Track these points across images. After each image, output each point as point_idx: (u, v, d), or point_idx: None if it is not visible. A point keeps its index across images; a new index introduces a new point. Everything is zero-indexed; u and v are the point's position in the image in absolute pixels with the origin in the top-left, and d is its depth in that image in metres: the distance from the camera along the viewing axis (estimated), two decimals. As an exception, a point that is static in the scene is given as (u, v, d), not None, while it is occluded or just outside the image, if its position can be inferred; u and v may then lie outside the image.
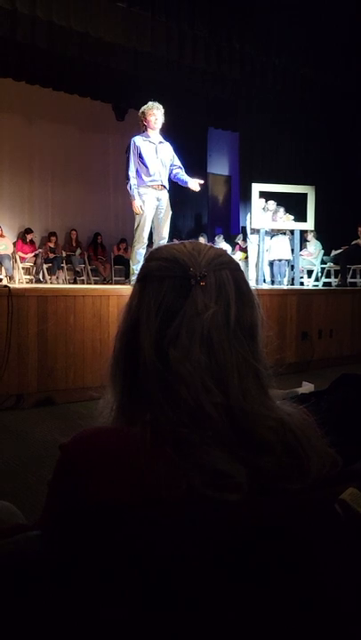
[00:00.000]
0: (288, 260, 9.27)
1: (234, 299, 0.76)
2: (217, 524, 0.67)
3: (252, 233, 9.17)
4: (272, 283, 9.27)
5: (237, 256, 10.54)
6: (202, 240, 10.21)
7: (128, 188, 5.44)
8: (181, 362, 0.72)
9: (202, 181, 5.69)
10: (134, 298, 0.80)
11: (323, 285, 9.68)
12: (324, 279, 10.00)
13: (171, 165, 5.54)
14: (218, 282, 0.76)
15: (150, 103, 5.47)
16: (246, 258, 9.94)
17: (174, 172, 5.56)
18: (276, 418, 0.74)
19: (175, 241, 0.88)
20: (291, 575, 0.66)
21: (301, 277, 9.57)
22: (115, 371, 0.80)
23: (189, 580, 0.65)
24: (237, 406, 0.72)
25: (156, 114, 5.41)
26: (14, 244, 10.60)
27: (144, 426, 0.72)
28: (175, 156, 5.60)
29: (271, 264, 9.37)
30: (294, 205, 8.85)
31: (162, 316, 0.75)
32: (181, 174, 5.58)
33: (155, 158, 5.45)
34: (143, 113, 5.45)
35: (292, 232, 8.97)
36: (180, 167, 5.59)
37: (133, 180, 5.40)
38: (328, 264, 10.02)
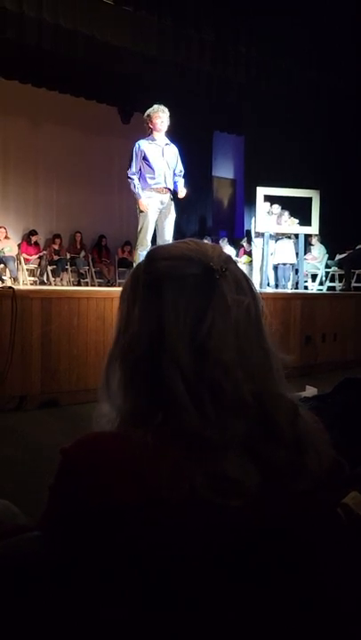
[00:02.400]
0: (292, 264, 9.27)
1: (248, 290, 0.79)
2: (219, 526, 0.67)
3: (256, 236, 9.18)
4: (276, 286, 9.26)
5: (242, 259, 10.54)
6: (206, 243, 10.19)
7: (132, 188, 5.47)
8: (222, 351, 0.73)
9: (184, 195, 5.62)
10: (151, 303, 0.77)
11: (327, 289, 9.66)
12: (328, 283, 9.99)
13: (173, 169, 5.56)
14: (233, 275, 0.78)
15: (156, 106, 5.48)
16: (251, 261, 9.94)
17: (175, 178, 5.57)
18: (292, 405, 0.77)
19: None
20: (291, 576, 0.66)
21: (306, 281, 9.56)
22: (132, 377, 0.78)
23: (190, 580, 0.65)
24: (263, 390, 0.75)
25: (161, 116, 5.42)
26: (19, 245, 10.63)
27: (148, 429, 0.72)
28: (179, 160, 5.59)
29: (275, 268, 9.37)
30: (299, 209, 8.85)
31: (192, 313, 0.75)
32: (178, 182, 5.57)
33: (161, 161, 5.46)
34: (149, 116, 5.46)
35: (296, 236, 8.96)
36: (180, 174, 5.58)
37: (137, 180, 5.42)
38: (332, 268, 10.00)
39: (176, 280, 0.77)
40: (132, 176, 5.44)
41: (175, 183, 5.57)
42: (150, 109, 5.48)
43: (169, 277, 0.78)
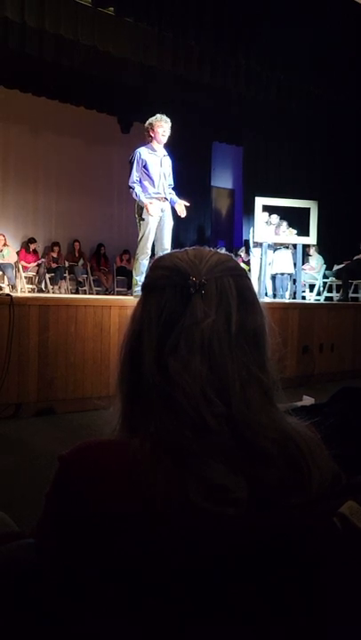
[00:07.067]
0: (290, 274, 9.29)
1: (236, 306, 0.74)
2: (214, 537, 0.66)
3: (254, 246, 9.20)
4: (274, 296, 9.27)
5: (240, 269, 10.54)
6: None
7: (134, 196, 5.41)
8: (180, 373, 0.70)
9: (187, 204, 5.63)
10: (138, 307, 0.79)
11: (325, 300, 9.68)
12: (326, 293, 10.01)
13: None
14: (219, 289, 0.74)
15: (158, 115, 5.44)
16: (249, 271, 9.96)
17: (169, 195, 5.58)
18: (279, 429, 0.73)
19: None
20: (288, 586, 0.66)
21: (303, 291, 9.58)
22: (120, 380, 0.80)
23: (185, 590, 0.65)
24: (240, 416, 0.71)
25: (164, 126, 5.41)
26: (18, 253, 10.64)
27: (144, 437, 0.71)
28: (171, 174, 5.61)
29: (273, 278, 9.39)
30: (297, 219, 8.89)
31: (162, 325, 0.74)
32: (174, 200, 5.57)
33: (159, 171, 5.47)
34: (151, 125, 5.43)
35: (294, 246, 8.99)
36: (170, 186, 5.59)
37: (138, 188, 5.40)
38: (330, 278, 10.03)
39: (158, 290, 0.76)
40: (132, 185, 5.40)
41: (172, 201, 5.56)
42: (153, 118, 5.45)
43: (154, 286, 0.77)
